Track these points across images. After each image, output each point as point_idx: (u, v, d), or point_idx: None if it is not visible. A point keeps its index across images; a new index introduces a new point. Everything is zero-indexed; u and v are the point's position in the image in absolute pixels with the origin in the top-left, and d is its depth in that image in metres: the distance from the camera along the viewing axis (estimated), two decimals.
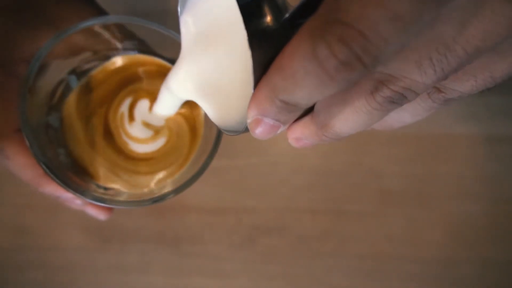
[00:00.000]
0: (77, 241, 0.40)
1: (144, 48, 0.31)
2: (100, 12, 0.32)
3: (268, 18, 0.16)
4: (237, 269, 0.41)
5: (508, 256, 0.41)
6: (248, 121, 0.18)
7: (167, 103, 0.27)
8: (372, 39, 0.14)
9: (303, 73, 0.15)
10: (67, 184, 0.27)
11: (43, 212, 0.40)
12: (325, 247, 0.41)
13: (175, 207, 0.41)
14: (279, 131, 0.18)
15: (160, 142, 0.31)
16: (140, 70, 0.32)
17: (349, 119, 0.18)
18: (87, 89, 0.31)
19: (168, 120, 0.32)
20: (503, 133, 0.42)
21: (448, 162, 0.42)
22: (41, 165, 0.27)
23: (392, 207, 0.42)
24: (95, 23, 0.28)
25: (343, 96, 0.18)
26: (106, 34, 0.30)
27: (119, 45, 0.31)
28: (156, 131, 0.32)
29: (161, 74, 0.32)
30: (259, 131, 0.18)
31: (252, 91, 0.17)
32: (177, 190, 0.27)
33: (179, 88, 0.25)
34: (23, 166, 0.30)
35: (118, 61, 0.32)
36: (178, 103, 0.27)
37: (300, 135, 0.20)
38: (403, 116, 0.20)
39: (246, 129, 0.19)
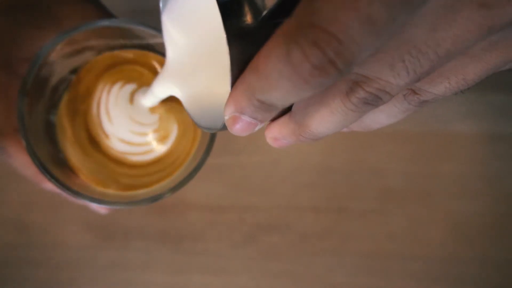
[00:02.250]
0: (79, 239, 0.41)
1: (145, 47, 0.31)
2: (103, 11, 0.32)
3: (247, 17, 0.16)
4: (239, 267, 0.41)
5: (510, 255, 0.41)
6: (226, 117, 0.18)
7: (150, 99, 0.28)
8: (345, 43, 0.14)
9: (277, 75, 0.15)
10: (62, 184, 0.27)
11: (45, 209, 0.41)
12: (327, 245, 0.41)
13: (177, 205, 0.41)
14: (256, 129, 0.18)
15: (169, 142, 0.31)
16: (128, 61, 0.32)
17: (324, 120, 0.18)
18: (76, 86, 0.31)
19: (177, 113, 0.31)
20: (505, 131, 0.42)
21: (450, 160, 0.42)
22: (35, 164, 0.27)
23: (394, 205, 0.42)
24: (98, 25, 0.28)
25: (319, 97, 0.18)
26: (109, 35, 0.30)
27: (121, 44, 0.31)
28: (163, 134, 0.31)
29: (150, 67, 0.32)
30: (236, 128, 0.18)
31: (229, 88, 0.17)
32: (174, 188, 0.27)
33: (161, 88, 0.25)
34: (24, 164, 0.30)
35: (108, 55, 0.32)
36: (158, 99, 0.28)
37: (278, 134, 0.21)
38: (379, 117, 0.20)
39: (223, 127, 0.19)
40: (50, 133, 0.30)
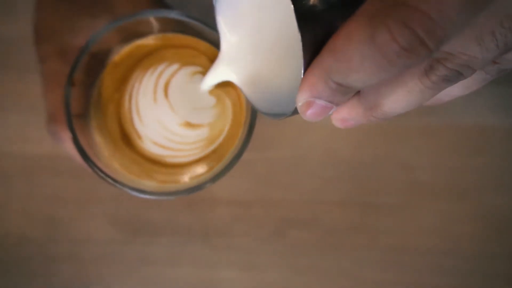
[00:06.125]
0: (106, 234, 0.41)
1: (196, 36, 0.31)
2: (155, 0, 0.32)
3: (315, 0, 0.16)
4: (266, 262, 0.41)
5: None
6: (299, 104, 0.17)
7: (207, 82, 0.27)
8: (438, 20, 0.13)
9: (359, 57, 0.14)
10: (104, 172, 0.27)
11: (73, 204, 0.41)
12: (355, 240, 0.41)
13: (204, 200, 0.41)
14: (331, 112, 0.18)
15: (217, 143, 0.30)
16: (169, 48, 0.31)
17: (400, 100, 0.18)
18: (114, 73, 0.31)
19: (228, 108, 0.31)
20: None
21: (480, 154, 0.41)
22: (79, 153, 0.27)
23: (423, 200, 0.41)
24: (150, 15, 0.28)
25: (395, 76, 0.17)
26: (158, 25, 0.29)
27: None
28: (213, 137, 0.30)
29: (198, 54, 0.31)
30: (310, 113, 0.17)
31: (301, 74, 0.16)
32: (214, 179, 0.27)
33: (217, 74, 0.24)
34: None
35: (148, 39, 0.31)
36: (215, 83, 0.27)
37: (347, 115, 0.20)
38: (453, 90, 0.20)
39: (293, 113, 0.18)
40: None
